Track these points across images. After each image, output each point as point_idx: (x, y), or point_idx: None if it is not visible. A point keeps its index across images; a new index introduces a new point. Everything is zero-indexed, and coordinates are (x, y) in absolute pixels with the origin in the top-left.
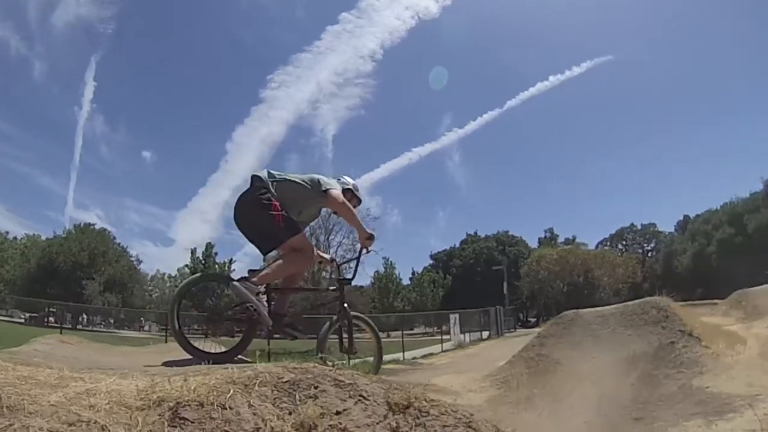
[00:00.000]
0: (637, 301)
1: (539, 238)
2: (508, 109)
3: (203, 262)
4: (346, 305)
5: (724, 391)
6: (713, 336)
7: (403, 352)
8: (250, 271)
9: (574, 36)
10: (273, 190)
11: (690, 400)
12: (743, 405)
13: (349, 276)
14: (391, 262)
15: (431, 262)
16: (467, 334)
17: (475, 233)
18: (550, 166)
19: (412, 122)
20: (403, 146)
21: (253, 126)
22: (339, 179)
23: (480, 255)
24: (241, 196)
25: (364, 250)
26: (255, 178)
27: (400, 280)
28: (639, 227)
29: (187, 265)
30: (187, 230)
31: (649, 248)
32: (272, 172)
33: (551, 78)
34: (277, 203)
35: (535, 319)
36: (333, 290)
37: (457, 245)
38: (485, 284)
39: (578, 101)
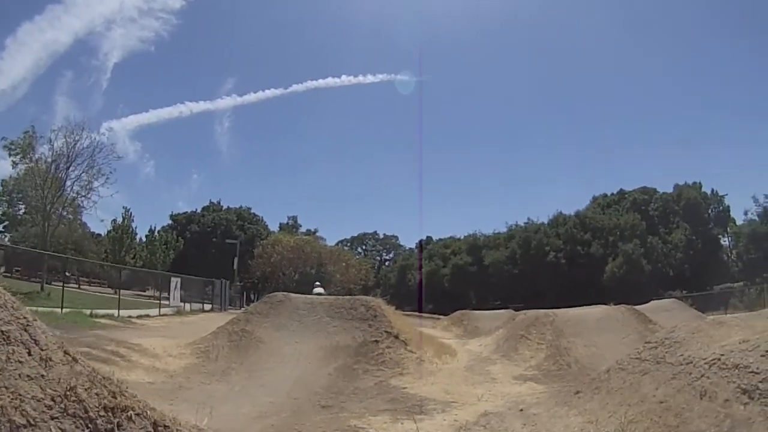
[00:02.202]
0: (348, 297)
1: (281, 223)
2: (291, 93)
3: None
4: None
5: (420, 394)
6: (426, 344)
7: (119, 309)
8: None
9: (390, 45)
10: None
11: (383, 397)
12: (436, 409)
13: None
14: (130, 212)
15: (170, 222)
16: (190, 304)
17: (219, 202)
18: (311, 158)
19: (195, 75)
20: (179, 97)
21: (42, 27)
22: None
23: (219, 225)
24: None
25: None
26: None
27: (136, 234)
28: (381, 236)
29: None
30: None
31: (387, 257)
32: None
33: (343, 77)
34: None
35: None
36: None
37: (199, 210)
38: (220, 256)
39: (359, 106)
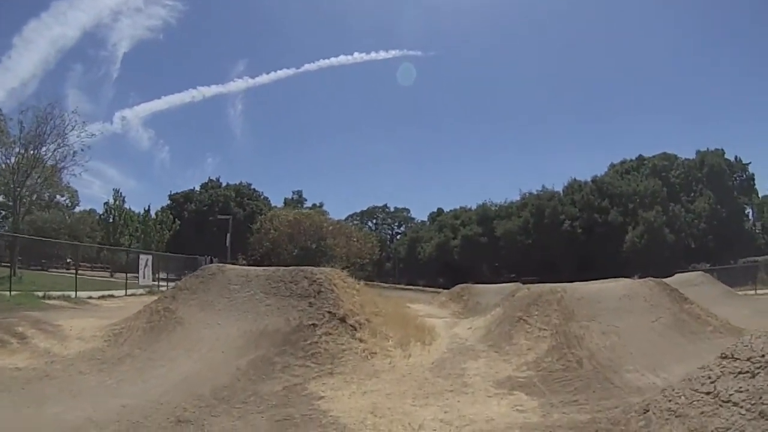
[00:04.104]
0: (290, 267)
1: (286, 198)
2: (304, 72)
3: None
4: None
5: (332, 413)
6: (396, 327)
7: (76, 290)
8: None
9: (398, 22)
10: None
11: (277, 412)
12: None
13: None
14: (121, 194)
15: (169, 202)
16: (169, 283)
17: (218, 179)
18: (322, 135)
19: (206, 60)
20: (190, 82)
21: (48, 23)
22: None
23: (216, 202)
24: None
25: None
26: None
27: (133, 214)
28: (392, 209)
29: None
30: None
31: (398, 231)
32: None
33: (356, 54)
34: None
35: None
36: None
37: (197, 189)
38: (218, 234)
39: (372, 83)
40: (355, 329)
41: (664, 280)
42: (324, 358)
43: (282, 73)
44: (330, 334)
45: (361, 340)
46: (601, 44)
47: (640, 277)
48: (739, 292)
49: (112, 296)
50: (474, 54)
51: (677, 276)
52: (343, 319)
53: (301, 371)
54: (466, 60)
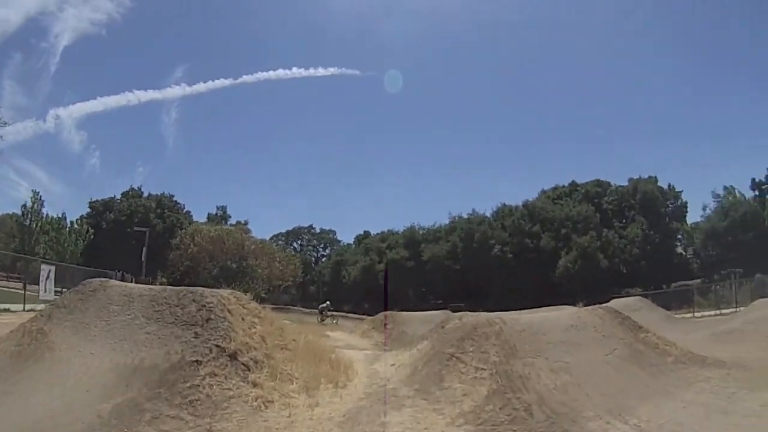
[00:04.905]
0: (179, 287)
1: (209, 214)
2: (241, 84)
3: None
4: None
5: None
6: (305, 363)
7: None
8: None
9: (342, 38)
10: None
11: None
12: None
13: None
14: (39, 196)
15: (88, 210)
16: None
17: (140, 188)
18: (253, 150)
19: (145, 62)
20: (127, 84)
21: None
22: None
23: (136, 212)
24: None
25: None
26: None
27: (52, 220)
28: (318, 231)
29: None
30: None
31: (324, 254)
32: None
33: (294, 69)
34: None
35: None
36: None
37: (118, 197)
38: (136, 246)
39: (307, 100)
40: (249, 369)
41: (607, 305)
42: (204, 408)
43: (219, 83)
44: (215, 375)
45: (254, 384)
46: (534, 71)
47: (586, 304)
48: (677, 316)
49: (8, 310)
50: (410, 76)
51: (615, 301)
52: (233, 356)
53: (172, 425)
54: (402, 81)
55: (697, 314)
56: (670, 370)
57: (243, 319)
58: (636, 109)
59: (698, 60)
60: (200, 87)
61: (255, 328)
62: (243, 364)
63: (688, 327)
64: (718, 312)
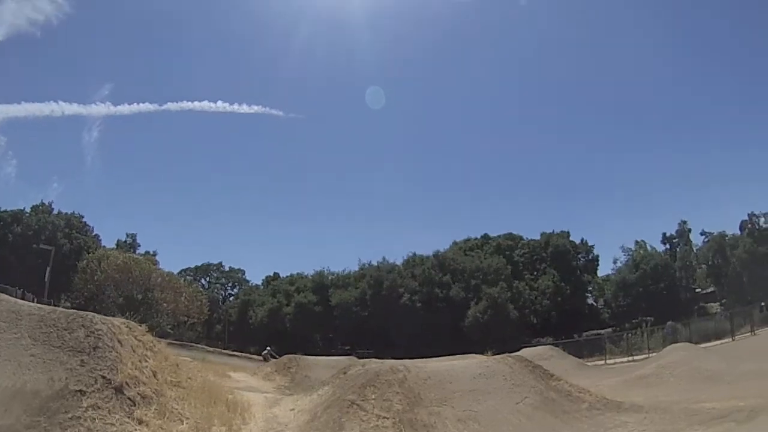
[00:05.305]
0: (69, 310)
1: (118, 240)
2: (165, 111)
3: None
4: None
5: None
6: (199, 403)
7: None
8: None
9: (270, 80)
10: None
11: None
12: None
13: None
14: None
15: None
16: None
17: (50, 204)
18: (172, 179)
19: (74, 74)
20: (53, 94)
21: None
22: None
23: (43, 229)
24: None
25: None
26: None
27: None
28: (227, 269)
29: None
30: None
31: (231, 293)
32: None
33: (219, 103)
34: None
35: None
36: None
37: (28, 209)
38: (42, 265)
39: (229, 135)
40: (135, 405)
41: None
42: None
43: (144, 106)
44: (99, 407)
45: (140, 421)
46: (440, 124)
47: (496, 353)
48: (589, 363)
49: None
50: (331, 122)
51: (525, 350)
52: (119, 389)
53: None
54: (324, 127)
55: (609, 361)
56: (585, 417)
57: (134, 350)
58: (551, 166)
59: (610, 117)
60: (124, 108)
61: (147, 361)
62: (129, 398)
63: (600, 374)
64: (630, 359)
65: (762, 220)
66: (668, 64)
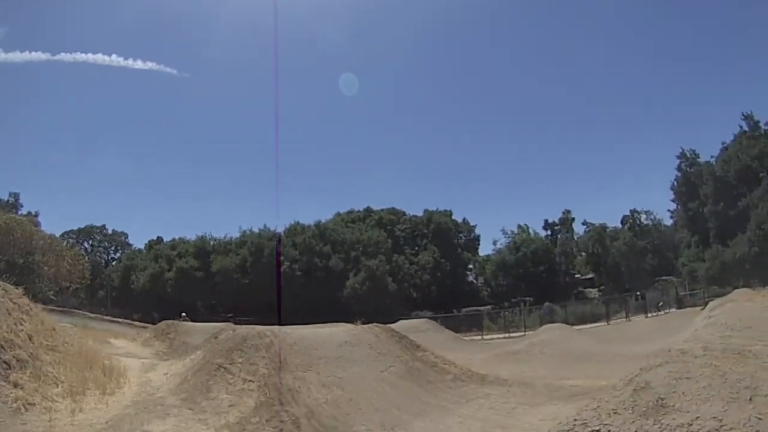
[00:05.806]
0: None
1: (0, 200)
2: (58, 61)
3: None
4: None
5: None
6: (75, 367)
7: None
8: None
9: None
10: None
11: None
12: None
13: None
14: None
15: None
16: None
17: None
18: (57, 133)
19: None
20: None
21: None
22: None
23: None
24: None
25: None
26: None
27: None
28: (110, 232)
29: None
30: None
31: (115, 257)
32: None
33: (113, 57)
34: None
35: None
36: None
37: None
38: None
39: (121, 91)
40: (10, 368)
41: (390, 325)
42: None
43: (35, 55)
44: None
45: (15, 385)
46: (340, 100)
47: (364, 323)
48: (466, 338)
49: None
50: (226, 86)
51: (401, 322)
52: None
53: None
54: (217, 89)
55: (486, 337)
56: (449, 387)
57: (9, 313)
58: (440, 146)
59: (508, 115)
60: (15, 56)
61: (22, 325)
62: (5, 361)
63: (475, 348)
64: (507, 335)
65: (643, 216)
66: (570, 63)
